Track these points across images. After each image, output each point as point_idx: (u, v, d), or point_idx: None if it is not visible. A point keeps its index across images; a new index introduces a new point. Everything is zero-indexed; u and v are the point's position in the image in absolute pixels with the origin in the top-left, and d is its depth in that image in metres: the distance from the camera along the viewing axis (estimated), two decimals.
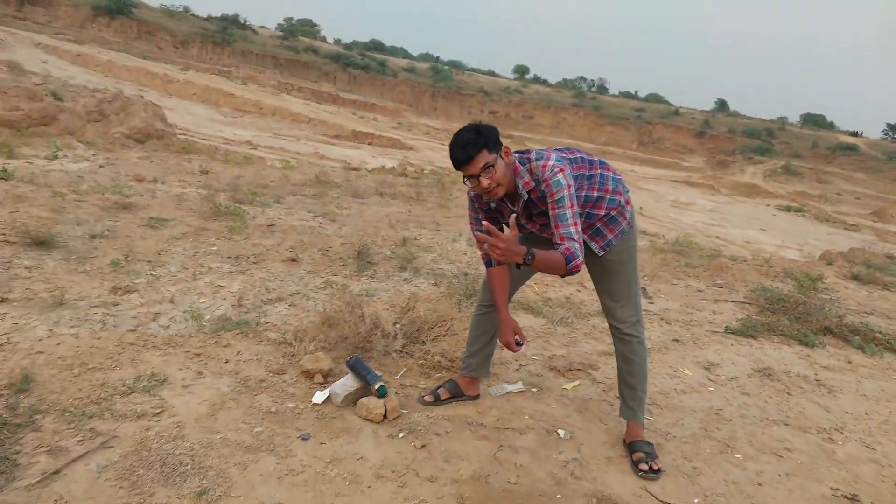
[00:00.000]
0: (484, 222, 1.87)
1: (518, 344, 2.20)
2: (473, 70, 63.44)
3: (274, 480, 1.90)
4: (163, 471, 1.86)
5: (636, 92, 68.75)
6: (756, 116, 60.40)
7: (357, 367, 2.39)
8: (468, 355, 2.57)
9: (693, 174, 39.84)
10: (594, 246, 2.28)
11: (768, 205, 26.66)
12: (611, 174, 2.24)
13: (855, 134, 57.93)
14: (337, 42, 61.34)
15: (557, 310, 4.01)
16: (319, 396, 2.35)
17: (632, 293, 2.36)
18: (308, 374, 2.51)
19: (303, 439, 2.11)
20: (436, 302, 3.17)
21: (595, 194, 2.20)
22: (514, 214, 2.03)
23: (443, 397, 2.52)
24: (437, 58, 65.91)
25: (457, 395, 2.55)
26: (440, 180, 12.51)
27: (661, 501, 2.07)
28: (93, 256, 4.35)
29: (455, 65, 62.54)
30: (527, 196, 2.09)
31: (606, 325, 2.47)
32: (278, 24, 59.90)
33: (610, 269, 2.33)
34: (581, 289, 4.67)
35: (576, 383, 2.88)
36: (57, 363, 2.38)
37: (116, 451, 1.92)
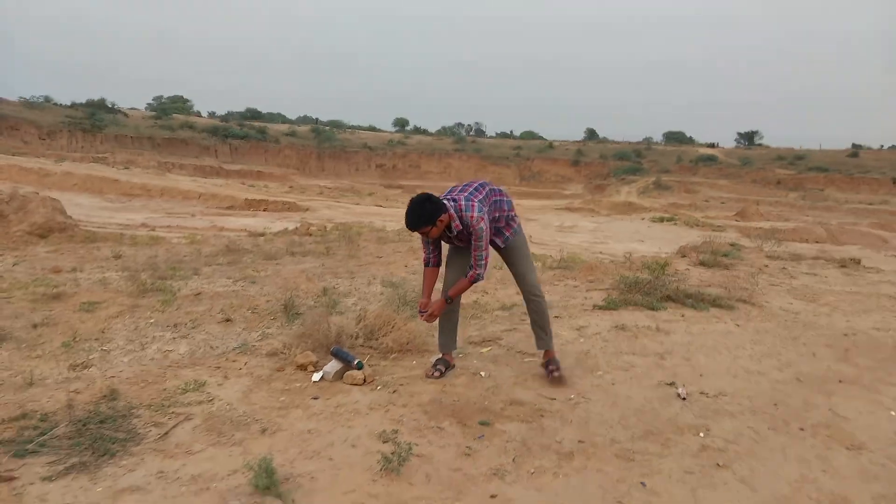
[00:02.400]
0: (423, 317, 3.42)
1: (420, 312, 3.52)
2: (354, 127, 65.30)
3: (304, 419, 2.99)
4: (233, 424, 2.92)
5: (511, 131, 73.10)
6: (623, 140, 65.76)
7: (339, 354, 3.53)
8: (441, 338, 3.77)
9: (574, 200, 42.90)
10: (499, 241, 3.63)
11: (643, 218, 29.43)
12: (505, 199, 3.64)
13: (712, 145, 64.47)
14: (212, 115, 61.42)
15: (469, 309, 5.28)
16: (316, 376, 3.46)
17: (532, 268, 3.75)
18: (302, 367, 3.61)
19: (314, 398, 3.22)
20: (380, 311, 4.34)
21: (496, 214, 3.56)
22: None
23: (444, 371, 3.66)
24: (317, 119, 67.33)
25: (448, 367, 3.72)
26: (346, 234, 13.52)
27: (546, 397, 3.33)
28: (41, 343, 4.77)
29: (335, 124, 64.22)
30: (457, 232, 3.38)
31: (504, 314, 3.78)
32: (148, 104, 59.43)
33: (515, 253, 3.70)
34: (484, 294, 5.98)
35: (488, 349, 4.14)
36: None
37: (196, 420, 2.95)
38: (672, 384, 3.68)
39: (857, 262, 9.93)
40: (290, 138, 52.02)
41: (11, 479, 2.37)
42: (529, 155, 57.35)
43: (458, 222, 3.36)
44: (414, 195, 3.41)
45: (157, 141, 44.11)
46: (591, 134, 68.17)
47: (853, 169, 50.55)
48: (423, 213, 3.27)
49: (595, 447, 2.87)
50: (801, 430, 3.21)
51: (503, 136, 70.59)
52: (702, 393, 3.59)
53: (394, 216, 23.13)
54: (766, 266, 8.96)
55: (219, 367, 3.64)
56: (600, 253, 16.73)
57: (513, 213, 3.70)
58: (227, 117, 58.94)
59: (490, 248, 3.50)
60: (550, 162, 56.38)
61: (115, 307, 6.30)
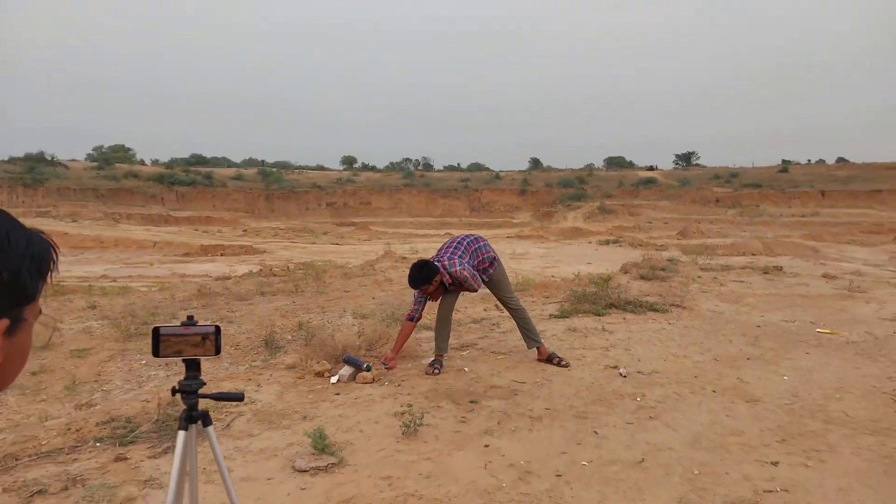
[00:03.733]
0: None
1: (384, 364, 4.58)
2: (302, 167, 65.98)
3: (333, 408, 3.87)
4: (277, 415, 3.77)
5: (459, 164, 75.08)
6: (566, 168, 68.25)
7: (350, 360, 4.42)
8: (438, 343, 4.73)
9: (524, 228, 44.29)
10: (485, 277, 4.73)
11: (590, 242, 30.96)
12: (482, 244, 4.78)
13: (651, 168, 67.49)
14: (156, 163, 61.26)
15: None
16: (334, 379, 4.33)
17: (511, 290, 4.90)
18: (319, 374, 4.47)
19: (336, 394, 4.09)
20: (376, 327, 5.24)
21: (478, 259, 4.68)
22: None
23: (440, 369, 4.62)
24: (263, 161, 67.89)
25: (442, 366, 4.68)
26: (311, 272, 14.24)
27: (518, 381, 4.29)
28: (43, 388, 5.19)
29: (282, 165, 64.81)
30: (448, 284, 4.45)
31: (476, 326, 4.74)
32: (88, 155, 58.92)
33: (498, 283, 4.83)
34: (457, 312, 6.93)
35: (467, 351, 5.09)
36: None
37: (247, 415, 3.79)
38: (615, 367, 4.70)
39: (779, 268, 11.29)
40: (237, 182, 52.37)
41: (125, 458, 3.17)
42: (478, 186, 58.95)
43: (447, 277, 4.54)
44: (413, 262, 4.63)
45: (102, 191, 43.85)
46: (536, 163, 70.57)
47: (784, 184, 53.75)
48: (422, 275, 4.46)
49: (557, 411, 3.83)
50: (714, 392, 4.25)
51: (451, 168, 72.44)
52: (639, 372, 4.61)
53: (351, 252, 23.93)
54: (700, 276, 10.20)
55: (250, 379, 4.47)
56: (552, 276, 17.95)
57: (491, 255, 4.82)
58: (172, 164, 58.94)
59: (479, 282, 4.68)
60: (498, 192, 58.01)
61: (104, 352, 6.88)
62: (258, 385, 4.34)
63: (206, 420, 1.85)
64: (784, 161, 64.32)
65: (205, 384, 1.81)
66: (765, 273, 10.64)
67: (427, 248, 22.37)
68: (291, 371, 4.65)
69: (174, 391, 1.80)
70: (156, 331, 1.72)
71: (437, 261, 4.60)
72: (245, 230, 35.06)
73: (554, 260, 24.18)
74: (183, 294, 11.54)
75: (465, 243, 4.76)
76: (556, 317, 6.44)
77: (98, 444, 3.37)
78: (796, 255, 21.56)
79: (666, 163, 72.11)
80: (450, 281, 4.56)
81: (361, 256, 20.87)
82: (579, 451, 3.31)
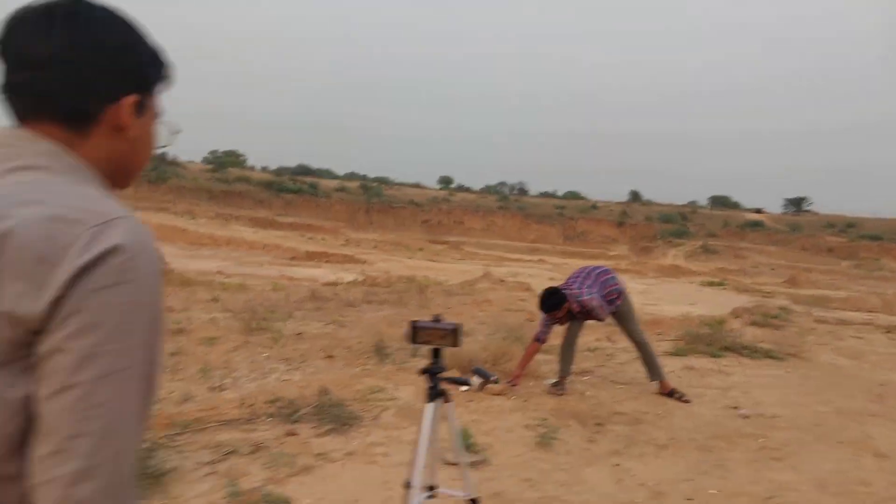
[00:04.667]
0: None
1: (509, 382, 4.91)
2: (400, 184, 67.93)
3: (469, 414, 4.26)
4: (419, 413, 4.17)
5: (555, 191, 75.04)
6: (668, 202, 66.82)
7: (479, 371, 4.81)
8: (563, 365, 5.09)
9: (621, 261, 43.59)
10: (612, 308, 4.98)
11: (692, 282, 30.24)
12: (611, 276, 5.10)
13: (758, 210, 65.06)
14: (264, 169, 64.77)
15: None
16: (463, 387, 4.71)
17: (637, 323, 5.19)
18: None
19: (469, 401, 4.47)
20: (501, 344, 5.61)
21: (606, 291, 4.97)
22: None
23: (562, 391, 4.97)
24: (364, 175, 70.42)
25: (564, 387, 5.00)
26: (416, 286, 14.80)
27: (641, 411, 4.53)
28: (181, 368, 5.63)
29: (382, 180, 66.97)
30: (576, 312, 4.81)
31: (590, 354, 5.04)
32: (204, 158, 63.01)
33: (624, 315, 5.13)
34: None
35: (587, 377, 5.37)
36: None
37: (392, 410, 4.22)
38: (735, 407, 4.85)
39: None
40: (339, 193, 54.63)
41: (295, 433, 3.67)
42: (573, 215, 58.76)
43: (576, 305, 4.88)
44: (544, 289, 5.09)
45: (215, 193, 46.92)
46: (635, 196, 69.51)
47: None
48: (552, 301, 4.88)
49: (681, 442, 4.06)
50: (839, 442, 4.32)
51: (546, 195, 72.58)
52: (759, 414, 4.74)
53: (445, 270, 24.45)
54: (814, 328, 9.97)
55: (389, 379, 4.93)
56: (652, 314, 17.80)
57: (619, 287, 5.13)
58: (280, 172, 62.13)
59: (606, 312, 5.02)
60: (595, 222, 57.55)
61: (230, 342, 7.53)
62: (396, 385, 4.79)
63: (446, 398, 2.38)
64: None
65: (446, 370, 2.26)
66: (887, 332, 10.25)
67: (526, 273, 22.62)
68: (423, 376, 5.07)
69: (422, 371, 2.36)
70: (413, 323, 2.15)
71: (567, 289, 4.94)
72: (347, 240, 36.52)
73: (655, 297, 23.79)
74: (297, 296, 12.30)
75: (594, 274, 5.09)
76: (672, 354, 6.59)
77: (269, 419, 3.89)
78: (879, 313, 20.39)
79: (774, 206, 69.34)
80: (578, 309, 4.88)
81: (456, 275, 21.32)
82: (705, 479, 3.53)
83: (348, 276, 19.44)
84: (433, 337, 2.19)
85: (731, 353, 6.80)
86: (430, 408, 2.29)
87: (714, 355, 6.61)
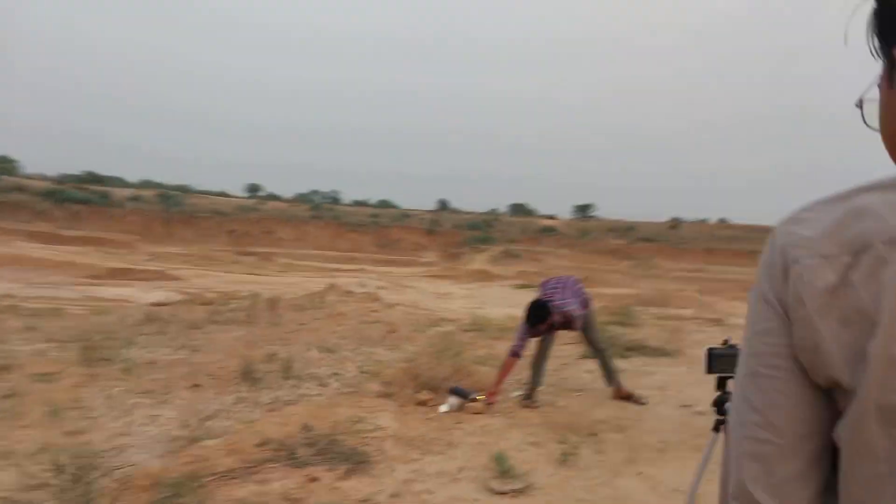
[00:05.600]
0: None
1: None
2: (204, 192, 63.69)
3: (470, 435, 4.08)
4: (422, 441, 3.91)
5: (367, 199, 75.21)
6: (473, 211, 70.19)
7: (457, 391, 4.62)
8: (535, 376, 5.06)
9: (432, 268, 44.96)
10: (581, 314, 5.02)
11: (505, 286, 31.96)
12: (582, 285, 5.26)
13: (551, 217, 70.67)
14: (43, 177, 56.95)
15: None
16: (444, 408, 4.52)
17: (598, 331, 5.30)
18: (422, 402, 4.64)
19: (458, 423, 4.27)
20: (456, 362, 5.44)
21: (580, 300, 5.07)
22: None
23: (536, 403, 4.94)
24: (161, 184, 64.86)
25: (535, 399, 4.99)
26: (265, 302, 13.80)
27: (615, 416, 4.64)
28: (21, 413, 4.89)
29: (183, 189, 62.27)
30: (556, 322, 4.84)
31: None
32: None
33: (589, 324, 5.20)
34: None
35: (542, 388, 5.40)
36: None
37: (390, 441, 3.89)
38: (688, 406, 5.16)
39: (720, 320, 12.37)
40: (134, 202, 49.76)
41: (315, 479, 3.23)
42: (387, 223, 59.28)
43: (559, 316, 4.95)
44: (531, 301, 5.06)
45: None
46: (443, 204, 71.97)
47: (675, 239, 57.81)
48: (541, 314, 4.91)
49: (673, 444, 4.25)
50: None
51: (359, 203, 72.34)
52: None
53: (270, 284, 23.29)
54: (664, 325, 11.02)
55: (358, 406, 4.56)
56: (484, 317, 18.49)
57: (589, 296, 5.32)
58: (63, 180, 55.14)
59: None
60: (407, 230, 58.52)
61: (73, 377, 6.49)
62: (371, 412, 4.44)
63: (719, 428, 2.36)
64: (673, 218, 69.29)
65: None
66: (716, 324, 11.66)
67: (363, 284, 22.30)
68: (388, 399, 4.76)
69: (714, 403, 2.35)
70: (710, 351, 2.10)
71: (550, 300, 4.95)
72: (152, 254, 33.37)
73: (480, 301, 24.63)
74: (131, 320, 11.01)
75: (569, 283, 5.19)
76: (587, 357, 6.86)
77: (272, 465, 3.39)
78: (694, 308, 23.51)
79: (565, 212, 75.78)
80: (560, 320, 4.92)
81: (282, 288, 20.44)
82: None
83: (162, 295, 17.77)
84: (729, 365, 2.07)
85: (635, 354, 7.25)
86: (712, 437, 2.33)
87: (622, 356, 7.00)
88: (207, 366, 6.75)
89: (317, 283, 22.44)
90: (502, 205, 75.64)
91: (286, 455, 3.51)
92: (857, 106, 0.68)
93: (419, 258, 54.07)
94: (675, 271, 49.16)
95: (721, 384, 2.24)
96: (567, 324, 4.99)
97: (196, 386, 5.91)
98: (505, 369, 4.94)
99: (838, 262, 0.61)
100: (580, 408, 4.89)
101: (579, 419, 4.58)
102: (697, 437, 4.40)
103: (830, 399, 0.65)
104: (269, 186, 71.82)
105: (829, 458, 0.66)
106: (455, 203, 73.78)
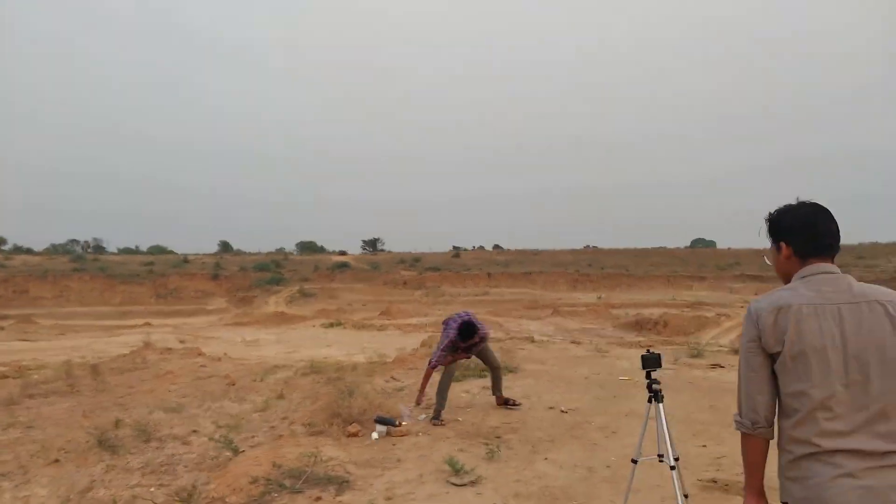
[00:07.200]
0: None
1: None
2: None
3: (408, 451, 5.05)
4: (378, 461, 4.78)
5: (137, 246, 70.04)
6: (258, 251, 68.80)
7: (382, 419, 5.54)
8: (440, 402, 6.11)
9: (224, 315, 43.35)
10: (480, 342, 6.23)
11: (314, 326, 32.23)
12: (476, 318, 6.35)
13: (343, 252, 71.83)
14: None
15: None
16: (375, 436, 5.41)
17: (495, 354, 6.52)
18: (353, 434, 5.47)
19: (393, 444, 5.18)
20: (363, 398, 6.28)
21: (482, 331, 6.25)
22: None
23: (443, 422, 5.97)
24: None
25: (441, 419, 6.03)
26: (70, 371, 12.63)
27: (505, 423, 5.89)
28: None
29: None
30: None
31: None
32: None
33: (486, 349, 6.41)
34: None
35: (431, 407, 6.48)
36: None
37: (352, 465, 4.70)
38: (552, 407, 6.56)
39: (531, 338, 14.42)
40: None
41: (321, 498, 3.99)
42: (164, 271, 55.90)
43: (478, 337, 6.29)
44: (463, 321, 6.21)
45: None
46: (226, 246, 69.62)
47: (458, 267, 62.07)
48: (471, 330, 6.14)
49: (559, 436, 5.60)
50: (628, 413, 6.35)
51: (128, 251, 67.15)
52: (571, 409, 6.54)
53: (55, 350, 21.35)
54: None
55: (299, 445, 5.24)
56: (301, 360, 18.86)
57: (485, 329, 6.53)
58: None
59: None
60: (188, 277, 55.63)
61: None
62: (316, 447, 5.17)
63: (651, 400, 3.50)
64: (455, 247, 74.26)
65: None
66: (532, 341, 13.61)
67: (164, 340, 21.35)
68: (322, 437, 5.51)
69: (648, 386, 3.49)
70: (643, 356, 3.32)
71: (478, 323, 6.27)
72: None
73: (292, 345, 24.67)
74: None
75: (471, 315, 6.45)
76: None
77: (274, 496, 4.07)
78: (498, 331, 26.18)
79: (355, 247, 77.56)
80: (478, 341, 6.22)
81: (63, 353, 19.02)
82: (602, 453, 5.11)
83: None
84: (653, 363, 3.35)
85: (486, 373, 8.59)
86: (649, 406, 3.52)
87: (481, 376, 8.31)
88: (54, 440, 6.65)
89: (108, 344, 21.28)
90: (290, 244, 75.05)
91: (278, 486, 4.19)
92: (764, 258, 2.01)
93: (206, 306, 51.67)
94: (462, 296, 52.99)
95: (648, 374, 3.51)
96: (475, 346, 6.22)
97: (56, 461, 5.92)
98: (425, 377, 6.30)
99: (773, 313, 1.83)
100: (476, 419, 6.08)
101: (480, 428, 5.77)
102: (572, 429, 5.81)
103: (773, 360, 1.86)
104: (12, 238, 63.66)
105: (775, 385, 1.88)
106: (238, 245, 71.67)
